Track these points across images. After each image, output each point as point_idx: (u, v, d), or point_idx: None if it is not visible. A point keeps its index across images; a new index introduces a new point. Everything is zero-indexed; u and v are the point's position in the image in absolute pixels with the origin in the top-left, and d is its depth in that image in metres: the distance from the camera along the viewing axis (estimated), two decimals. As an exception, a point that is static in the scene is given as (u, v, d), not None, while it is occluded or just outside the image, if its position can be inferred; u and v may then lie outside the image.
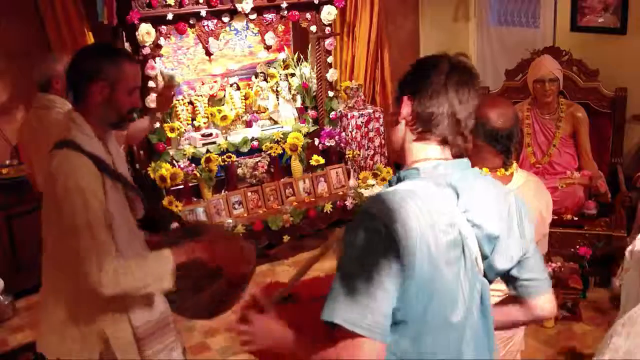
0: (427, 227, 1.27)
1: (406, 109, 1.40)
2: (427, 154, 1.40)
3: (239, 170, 4.45)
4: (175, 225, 2.41)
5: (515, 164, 2.13)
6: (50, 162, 1.93)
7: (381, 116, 4.94)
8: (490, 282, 1.46)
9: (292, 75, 4.78)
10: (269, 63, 4.81)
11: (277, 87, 4.71)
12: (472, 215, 1.36)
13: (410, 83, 1.41)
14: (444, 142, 1.40)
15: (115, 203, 1.95)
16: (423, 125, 1.39)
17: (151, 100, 3.97)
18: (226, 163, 4.32)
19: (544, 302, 1.56)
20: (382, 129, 4.94)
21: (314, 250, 4.32)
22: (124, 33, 4.01)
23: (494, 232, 1.40)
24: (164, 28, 3.98)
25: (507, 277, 1.53)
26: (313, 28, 4.56)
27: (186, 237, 2.05)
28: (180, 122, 4.32)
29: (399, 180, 1.40)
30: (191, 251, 1.93)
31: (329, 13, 4.53)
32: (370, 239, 1.27)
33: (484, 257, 1.41)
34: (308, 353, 1.34)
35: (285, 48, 4.85)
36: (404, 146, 1.43)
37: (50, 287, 2.06)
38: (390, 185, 1.41)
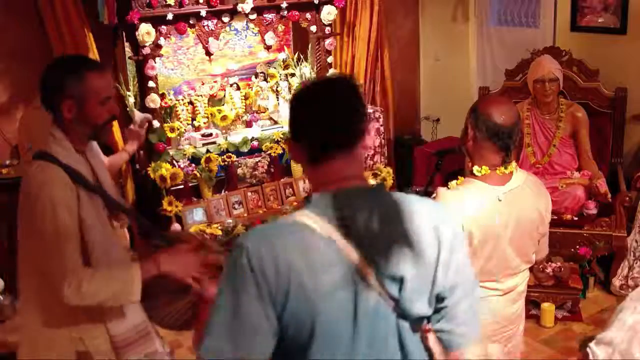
0: (301, 264, 1.19)
1: (292, 153, 1.37)
2: (326, 181, 1.28)
3: (239, 170, 4.44)
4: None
5: (514, 163, 2.14)
6: (26, 172, 1.96)
7: (381, 116, 4.94)
8: (418, 321, 1.31)
9: (292, 75, 4.77)
10: (269, 63, 4.80)
11: (277, 87, 4.71)
12: (366, 252, 1.23)
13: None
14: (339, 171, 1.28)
15: (90, 213, 1.96)
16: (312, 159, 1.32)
17: (151, 100, 3.97)
18: (226, 163, 4.32)
19: (470, 357, 1.35)
20: (382, 128, 4.93)
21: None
22: (124, 33, 4.02)
23: (396, 273, 1.24)
24: (164, 28, 3.97)
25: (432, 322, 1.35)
26: (313, 28, 4.56)
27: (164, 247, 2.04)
28: (180, 122, 4.32)
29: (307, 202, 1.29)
30: (158, 265, 1.91)
31: (329, 13, 4.53)
32: (235, 272, 1.21)
33: (394, 298, 1.25)
34: None
35: (285, 48, 4.84)
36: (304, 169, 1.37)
37: (26, 293, 2.07)
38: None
